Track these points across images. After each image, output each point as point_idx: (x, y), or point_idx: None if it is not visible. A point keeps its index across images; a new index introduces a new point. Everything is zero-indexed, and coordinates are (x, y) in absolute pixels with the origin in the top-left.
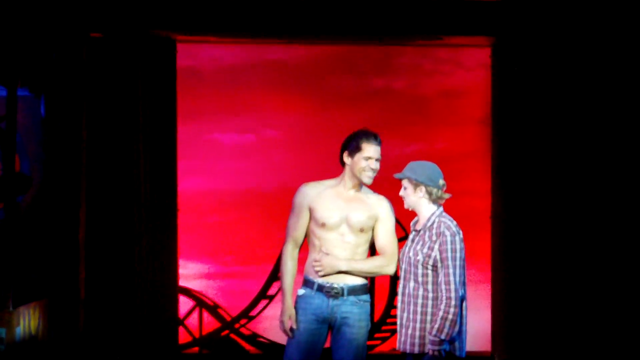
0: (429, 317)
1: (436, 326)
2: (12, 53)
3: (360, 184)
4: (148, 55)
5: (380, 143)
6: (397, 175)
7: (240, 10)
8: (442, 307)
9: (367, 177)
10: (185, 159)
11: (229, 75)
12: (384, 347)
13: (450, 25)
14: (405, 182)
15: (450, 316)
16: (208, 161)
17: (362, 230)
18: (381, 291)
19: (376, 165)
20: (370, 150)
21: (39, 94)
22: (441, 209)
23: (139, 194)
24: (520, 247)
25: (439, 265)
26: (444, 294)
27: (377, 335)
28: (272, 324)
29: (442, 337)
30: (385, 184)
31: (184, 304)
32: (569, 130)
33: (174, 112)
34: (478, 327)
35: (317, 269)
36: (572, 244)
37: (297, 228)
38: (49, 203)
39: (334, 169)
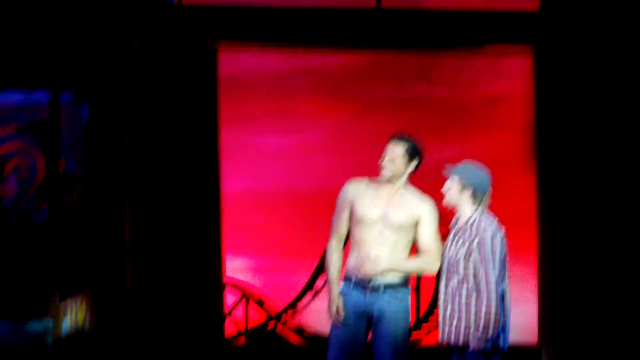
0: (473, 309)
1: (481, 324)
2: (57, 58)
3: (404, 184)
4: (190, 64)
5: (401, 141)
6: (447, 171)
7: (280, 20)
8: (484, 305)
9: (381, 171)
10: (231, 162)
11: (270, 82)
12: (429, 340)
13: (491, 34)
14: (452, 179)
15: (492, 314)
16: (252, 164)
17: (400, 228)
18: (428, 285)
19: (387, 161)
20: (386, 148)
21: (83, 99)
22: (482, 207)
23: (184, 195)
24: (566, 244)
25: (479, 263)
26: (484, 292)
27: (419, 330)
28: (317, 316)
29: (488, 334)
30: (429, 185)
31: (231, 297)
32: (609, 133)
33: (215, 117)
34: (524, 321)
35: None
36: (616, 241)
37: (339, 222)
38: (94, 202)
39: (373, 172)
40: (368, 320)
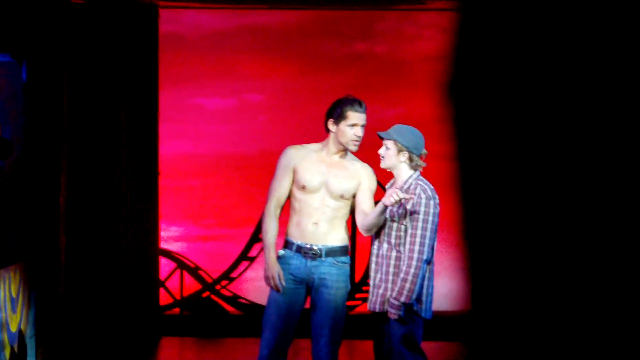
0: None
1: (396, 289)
2: None
3: (345, 151)
4: (130, 20)
5: (365, 110)
6: (382, 134)
7: None
8: (403, 269)
9: (354, 145)
10: (168, 123)
11: (212, 40)
12: (364, 308)
13: None
14: (389, 143)
15: (410, 278)
16: (190, 125)
17: (342, 196)
18: (363, 253)
19: (361, 132)
20: (356, 117)
21: (21, 59)
22: (418, 172)
23: (121, 158)
24: (486, 210)
25: (409, 226)
26: (406, 256)
27: (357, 295)
28: (253, 285)
29: (402, 299)
30: (365, 146)
31: (165, 266)
32: (529, 98)
33: (156, 77)
34: (456, 289)
35: (393, 197)
36: (533, 206)
37: (279, 188)
38: (30, 168)
39: (316, 133)
40: (307, 287)
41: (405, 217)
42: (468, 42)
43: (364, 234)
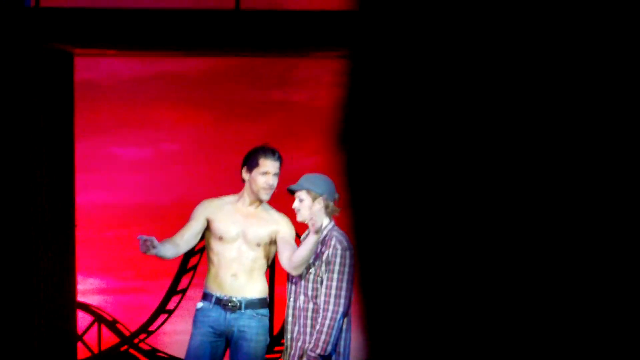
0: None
1: (313, 340)
2: None
3: (260, 200)
4: (45, 68)
5: (279, 159)
6: (293, 187)
7: (138, 23)
8: (319, 321)
9: (265, 194)
10: (84, 173)
11: (128, 87)
12: None
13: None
14: (302, 194)
15: (325, 330)
16: (106, 175)
17: (259, 245)
18: (281, 304)
19: (274, 180)
20: (268, 166)
21: None
22: (333, 222)
23: (36, 209)
24: (380, 259)
25: (325, 277)
26: (322, 308)
27: (277, 348)
28: (171, 338)
29: (318, 352)
30: (284, 197)
31: (83, 319)
32: (422, 140)
33: (72, 125)
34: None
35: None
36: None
37: (182, 231)
38: None
39: (233, 182)
40: (227, 339)
41: (321, 268)
42: (360, 89)
43: (293, 273)
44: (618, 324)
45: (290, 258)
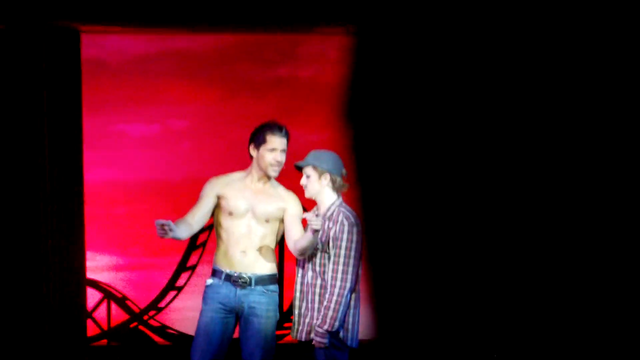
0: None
1: (320, 316)
2: None
3: (268, 177)
4: (52, 46)
5: (286, 134)
6: (300, 164)
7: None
8: (327, 297)
9: (273, 170)
10: (92, 150)
11: (135, 65)
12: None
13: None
14: (309, 170)
15: (332, 306)
16: (114, 152)
17: (267, 220)
18: (290, 281)
19: (282, 157)
20: (275, 142)
21: None
22: (341, 198)
23: (45, 186)
24: (389, 236)
25: (332, 253)
26: (329, 284)
27: (286, 324)
28: (181, 315)
29: (325, 327)
30: (292, 174)
31: (92, 296)
32: (425, 125)
33: (79, 103)
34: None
35: (315, 223)
36: (432, 233)
37: (193, 210)
38: None
39: (241, 159)
40: (236, 315)
41: (328, 245)
42: (366, 65)
43: (299, 258)
44: (618, 324)
45: (295, 246)
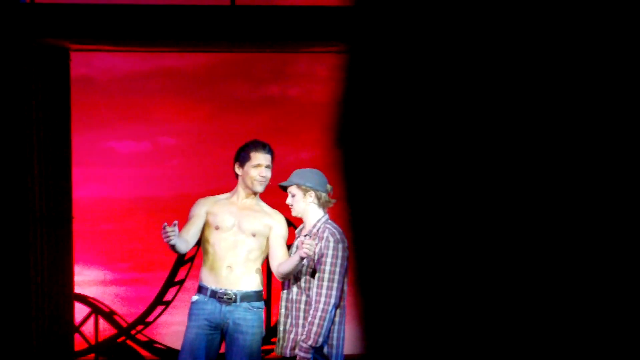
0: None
1: (304, 332)
2: None
3: (254, 195)
4: (41, 64)
5: (270, 151)
6: (284, 184)
7: (133, 18)
8: (311, 313)
9: (259, 184)
10: (81, 167)
11: (124, 83)
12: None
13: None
14: (293, 189)
15: (317, 322)
16: (104, 169)
17: (254, 235)
18: (277, 296)
19: (267, 172)
20: (260, 158)
21: None
22: (327, 215)
23: (34, 202)
24: (377, 251)
25: (317, 269)
26: (313, 300)
27: (273, 339)
28: (168, 330)
29: (309, 343)
30: (279, 192)
31: (80, 310)
32: (417, 138)
33: (69, 120)
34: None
35: (307, 248)
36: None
37: (187, 227)
38: None
39: (230, 176)
40: (222, 332)
41: (313, 261)
42: (356, 84)
43: (280, 280)
44: (618, 324)
45: (278, 268)
